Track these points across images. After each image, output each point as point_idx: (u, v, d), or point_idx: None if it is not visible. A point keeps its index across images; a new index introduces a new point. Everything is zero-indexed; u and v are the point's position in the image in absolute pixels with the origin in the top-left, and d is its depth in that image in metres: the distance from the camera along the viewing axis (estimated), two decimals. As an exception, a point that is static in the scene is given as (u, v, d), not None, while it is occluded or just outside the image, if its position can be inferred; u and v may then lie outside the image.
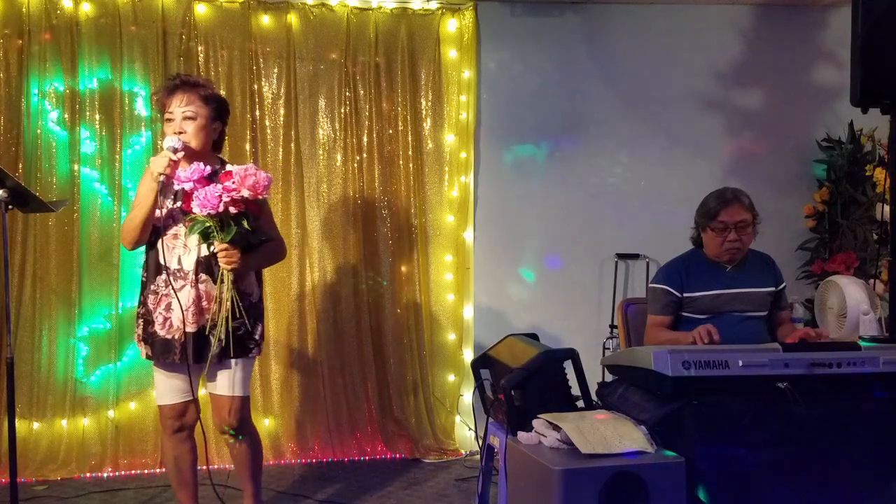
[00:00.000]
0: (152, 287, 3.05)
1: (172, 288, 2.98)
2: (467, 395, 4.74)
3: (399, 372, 4.64)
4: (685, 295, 3.31)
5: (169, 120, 3.03)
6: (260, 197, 2.82)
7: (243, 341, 3.07)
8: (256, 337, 3.13)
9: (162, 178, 2.90)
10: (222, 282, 2.94)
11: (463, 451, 4.64)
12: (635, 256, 4.88)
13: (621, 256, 4.88)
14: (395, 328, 4.65)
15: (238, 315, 2.98)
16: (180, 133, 2.98)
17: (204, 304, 3.00)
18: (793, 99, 4.98)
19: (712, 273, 3.34)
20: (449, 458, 4.56)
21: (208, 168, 2.87)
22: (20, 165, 4.25)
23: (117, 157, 4.34)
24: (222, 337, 2.97)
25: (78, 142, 4.31)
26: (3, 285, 3.88)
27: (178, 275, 3.01)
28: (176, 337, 3.00)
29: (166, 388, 3.08)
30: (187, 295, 2.99)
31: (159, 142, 4.34)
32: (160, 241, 3.01)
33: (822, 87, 4.97)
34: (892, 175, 3.26)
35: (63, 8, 4.29)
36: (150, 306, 3.05)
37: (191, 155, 2.99)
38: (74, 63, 4.29)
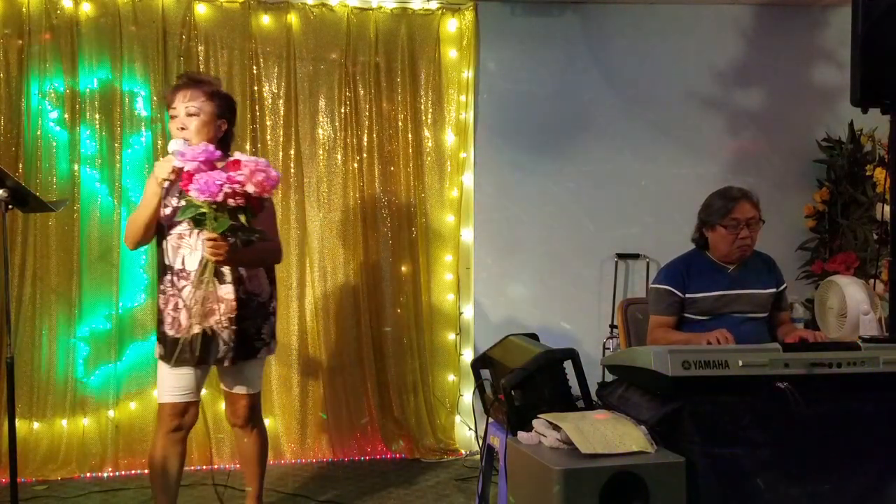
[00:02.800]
0: (161, 287, 3.06)
1: (176, 288, 2.99)
2: (467, 395, 4.74)
3: (399, 372, 4.64)
4: (687, 296, 3.31)
5: (173, 117, 3.00)
6: (265, 195, 2.71)
7: (251, 341, 3.07)
8: (264, 336, 3.11)
9: (166, 183, 2.90)
10: (202, 273, 2.84)
11: (463, 451, 4.64)
12: (635, 256, 4.88)
13: (621, 256, 4.88)
14: (395, 328, 4.65)
15: (232, 313, 2.97)
16: (182, 129, 2.95)
17: (211, 304, 2.97)
18: (793, 99, 4.98)
19: (714, 274, 3.34)
20: (449, 458, 4.56)
21: (218, 152, 2.77)
22: (20, 165, 4.25)
23: (117, 157, 4.33)
24: (196, 333, 2.92)
25: (78, 142, 4.31)
26: (3, 285, 3.88)
27: (181, 275, 3.00)
28: (181, 336, 2.99)
29: (170, 386, 3.05)
30: (191, 295, 2.96)
31: (160, 142, 4.35)
32: (165, 240, 3.02)
33: (822, 87, 4.97)
34: (892, 175, 3.26)
35: (63, 8, 4.29)
36: (161, 306, 3.06)
37: None
38: (74, 63, 4.29)
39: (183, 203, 2.91)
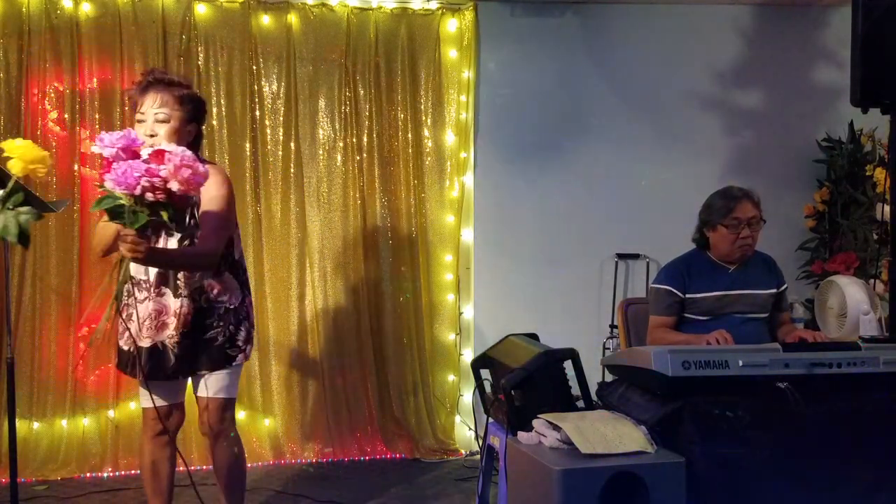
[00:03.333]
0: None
1: (133, 297, 2.85)
2: (467, 395, 4.74)
3: (399, 372, 4.64)
4: (687, 296, 3.31)
5: (140, 121, 2.77)
6: (191, 193, 2.42)
7: (222, 350, 2.89)
8: (239, 343, 2.92)
9: None
10: (118, 270, 2.57)
11: (463, 451, 4.64)
12: (635, 256, 4.88)
13: (621, 256, 4.88)
14: (395, 328, 4.65)
15: (185, 328, 2.80)
16: (152, 136, 2.73)
17: (164, 318, 2.82)
18: (793, 99, 4.98)
19: (715, 274, 3.34)
20: (449, 458, 4.56)
21: (141, 140, 2.47)
22: (20, 165, 4.25)
23: (117, 157, 4.33)
24: (98, 336, 2.79)
25: (78, 142, 4.31)
26: (4, 285, 3.88)
27: (142, 285, 2.85)
28: (131, 349, 2.87)
29: (147, 391, 2.94)
30: (145, 307, 2.83)
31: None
32: None
33: (822, 87, 4.97)
34: (892, 175, 3.26)
35: (63, 8, 4.29)
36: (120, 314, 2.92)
37: None
38: (74, 63, 4.29)
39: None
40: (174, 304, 2.83)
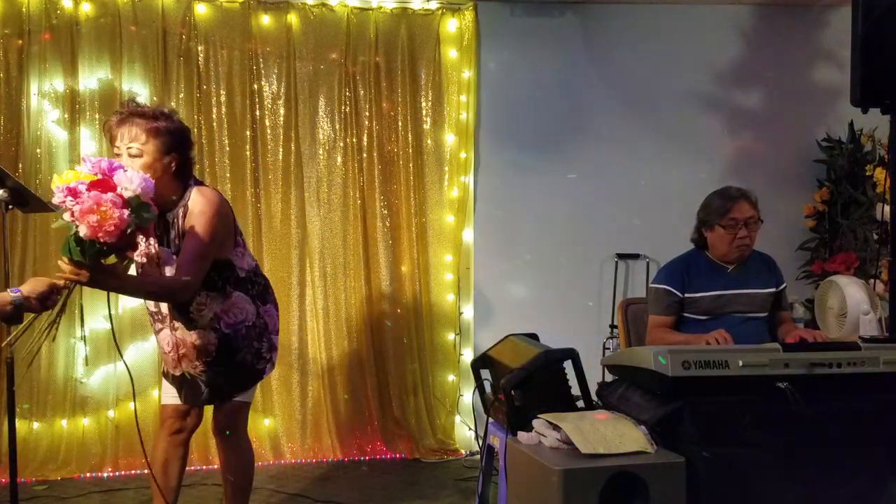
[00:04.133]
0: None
1: (154, 330, 2.95)
2: (467, 395, 4.74)
3: (399, 372, 4.64)
4: (686, 295, 3.31)
5: (117, 155, 2.72)
6: (100, 237, 2.24)
7: (254, 368, 2.91)
8: (264, 354, 2.93)
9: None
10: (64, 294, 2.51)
11: (463, 451, 4.64)
12: (635, 256, 4.88)
13: (621, 256, 4.88)
14: (395, 328, 4.65)
15: (209, 357, 2.83)
16: None
17: (183, 350, 2.85)
18: (793, 99, 4.98)
19: (714, 274, 3.34)
20: (449, 458, 4.56)
21: (118, 167, 2.34)
22: (20, 165, 4.25)
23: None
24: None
25: (78, 142, 4.31)
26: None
27: (156, 317, 2.90)
28: (166, 374, 2.97)
29: (172, 391, 2.98)
30: (167, 339, 2.88)
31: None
32: None
33: (822, 87, 4.97)
34: (892, 175, 3.26)
35: (63, 8, 4.29)
36: None
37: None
38: (74, 63, 4.29)
39: (154, 246, 2.66)
40: (190, 337, 2.83)
